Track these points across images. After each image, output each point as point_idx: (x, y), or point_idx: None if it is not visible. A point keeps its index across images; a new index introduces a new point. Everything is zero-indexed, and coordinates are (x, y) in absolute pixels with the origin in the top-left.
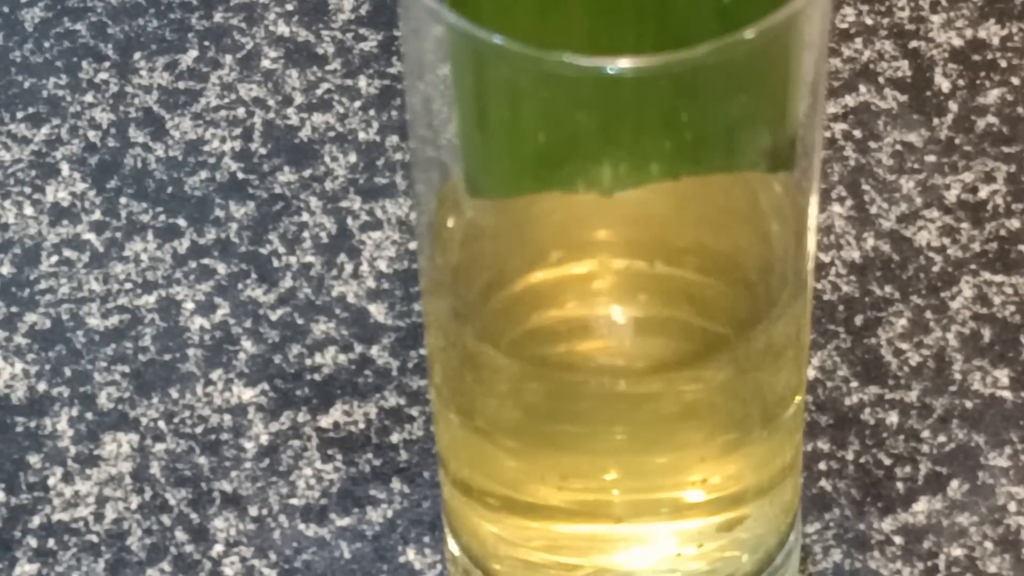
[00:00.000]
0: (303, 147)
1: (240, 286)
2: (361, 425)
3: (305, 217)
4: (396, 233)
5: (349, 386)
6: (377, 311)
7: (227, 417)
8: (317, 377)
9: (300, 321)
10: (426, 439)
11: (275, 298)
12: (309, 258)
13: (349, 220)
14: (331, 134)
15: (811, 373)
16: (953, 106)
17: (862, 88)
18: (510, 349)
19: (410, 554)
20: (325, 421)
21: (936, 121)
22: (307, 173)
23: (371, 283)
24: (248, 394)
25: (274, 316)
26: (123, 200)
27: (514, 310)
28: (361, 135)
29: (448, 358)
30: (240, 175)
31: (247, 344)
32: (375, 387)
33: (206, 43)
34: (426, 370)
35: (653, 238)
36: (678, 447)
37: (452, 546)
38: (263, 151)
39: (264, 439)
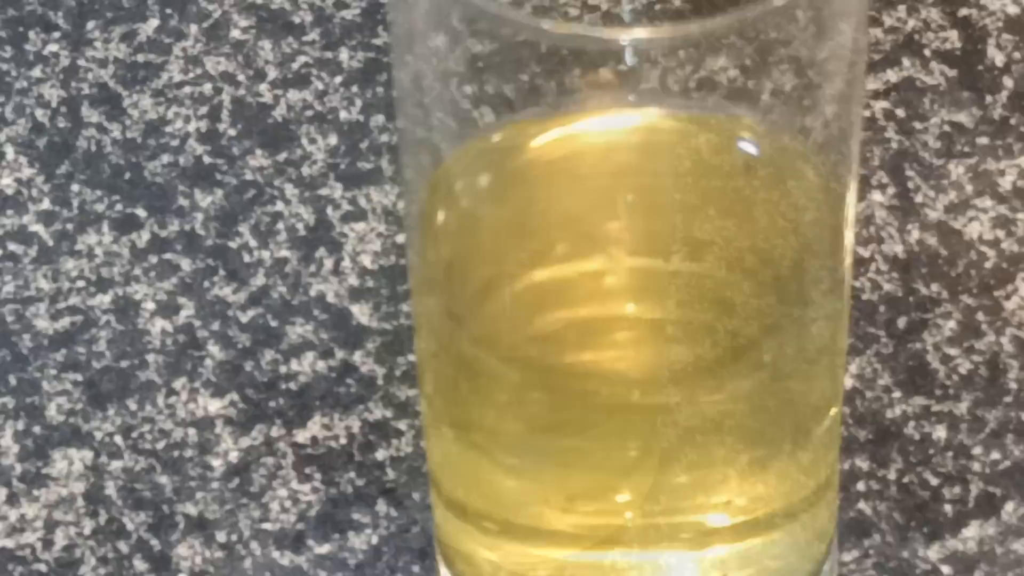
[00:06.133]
0: (277, 128)
1: (206, 284)
2: (342, 440)
3: (279, 207)
4: (382, 224)
5: (329, 396)
6: (360, 312)
7: (192, 431)
8: (293, 386)
9: (274, 323)
10: (416, 456)
11: (246, 297)
12: (284, 253)
13: (329, 210)
14: (308, 113)
15: (848, 382)
16: (1008, 82)
17: (906, 62)
18: (511, 355)
19: None
20: (302, 436)
21: (989, 99)
22: (282, 157)
23: (354, 281)
24: (215, 405)
25: (244, 318)
26: (75, 187)
27: (515, 311)
28: (343, 114)
29: (441, 365)
30: (206, 159)
31: (214, 349)
32: (358, 398)
33: (168, 11)
34: (416, 378)
35: (671, 230)
36: (699, 465)
37: (445, 575)
38: (232, 132)
39: (233, 456)
